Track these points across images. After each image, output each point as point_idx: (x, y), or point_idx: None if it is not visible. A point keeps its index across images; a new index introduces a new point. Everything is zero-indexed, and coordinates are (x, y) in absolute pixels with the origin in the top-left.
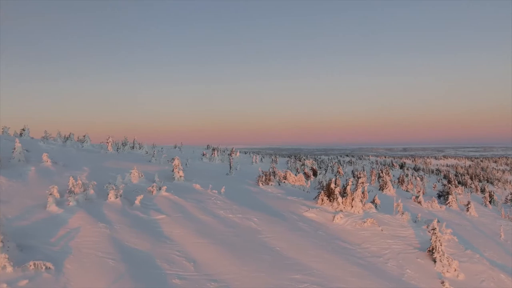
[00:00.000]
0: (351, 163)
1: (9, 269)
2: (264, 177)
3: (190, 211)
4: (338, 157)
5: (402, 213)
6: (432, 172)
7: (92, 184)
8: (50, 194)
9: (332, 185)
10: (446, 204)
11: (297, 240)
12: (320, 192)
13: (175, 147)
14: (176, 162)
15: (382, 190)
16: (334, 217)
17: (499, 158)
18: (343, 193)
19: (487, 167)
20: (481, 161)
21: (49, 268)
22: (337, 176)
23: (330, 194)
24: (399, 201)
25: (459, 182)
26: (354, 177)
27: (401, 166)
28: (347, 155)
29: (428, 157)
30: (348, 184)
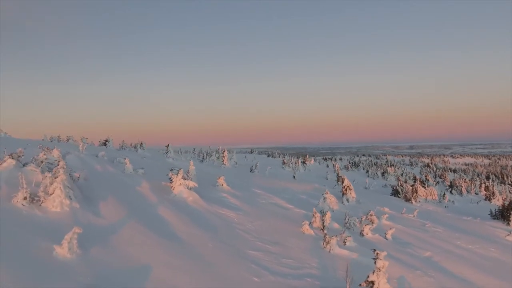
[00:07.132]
0: (393, 165)
1: None
2: (410, 193)
3: (430, 241)
4: (356, 156)
5: None
6: (464, 171)
7: (328, 216)
8: (338, 237)
9: None
10: None
11: None
12: None
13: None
14: (346, 182)
15: (489, 200)
16: None
17: None
18: None
19: (506, 165)
20: (498, 159)
21: None
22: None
23: None
24: None
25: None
26: (452, 185)
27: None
28: (363, 155)
29: (445, 155)
30: None
